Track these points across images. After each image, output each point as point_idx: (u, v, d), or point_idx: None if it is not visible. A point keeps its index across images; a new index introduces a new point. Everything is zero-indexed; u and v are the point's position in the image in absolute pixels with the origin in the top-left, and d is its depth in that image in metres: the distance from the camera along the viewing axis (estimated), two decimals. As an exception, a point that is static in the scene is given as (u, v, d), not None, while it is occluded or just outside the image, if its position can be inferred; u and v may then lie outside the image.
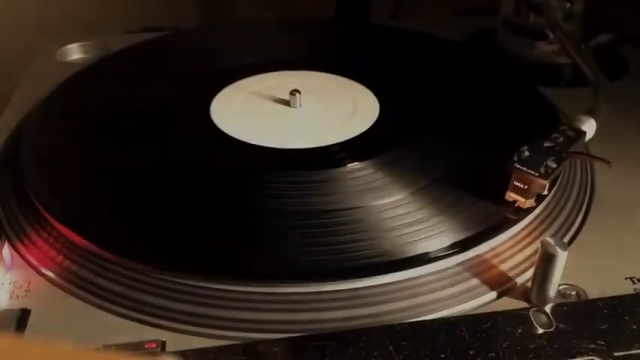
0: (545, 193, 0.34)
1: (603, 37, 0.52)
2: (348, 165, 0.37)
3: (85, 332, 0.29)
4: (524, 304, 0.30)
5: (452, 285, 0.31)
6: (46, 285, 0.31)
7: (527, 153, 0.34)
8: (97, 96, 0.46)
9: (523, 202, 0.33)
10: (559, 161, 0.34)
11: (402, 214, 0.33)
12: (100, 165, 0.39)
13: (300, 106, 0.44)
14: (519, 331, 0.28)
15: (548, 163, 0.33)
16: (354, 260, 0.30)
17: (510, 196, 0.34)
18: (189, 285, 0.30)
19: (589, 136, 0.37)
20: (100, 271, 0.31)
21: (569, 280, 0.31)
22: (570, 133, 0.36)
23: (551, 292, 0.29)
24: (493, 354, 0.26)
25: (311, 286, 0.30)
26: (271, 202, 0.34)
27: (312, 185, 0.35)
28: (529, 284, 0.30)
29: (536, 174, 0.33)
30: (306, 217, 0.33)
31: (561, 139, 0.35)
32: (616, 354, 0.26)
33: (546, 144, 0.35)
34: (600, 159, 0.35)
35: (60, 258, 0.32)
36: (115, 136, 0.41)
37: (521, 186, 0.33)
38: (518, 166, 0.33)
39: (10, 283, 0.31)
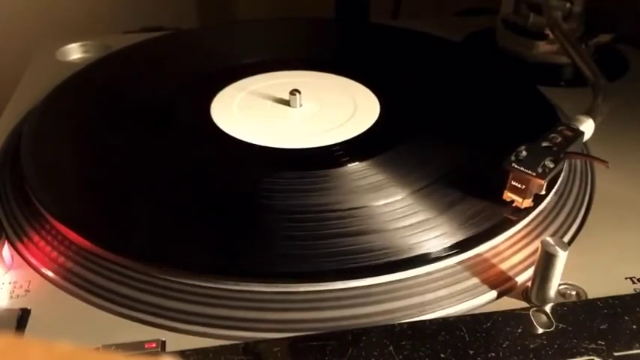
0: (543, 192, 0.34)
1: (603, 37, 0.52)
2: (348, 165, 0.37)
3: (85, 332, 0.29)
4: (524, 304, 0.30)
5: (452, 285, 0.31)
6: (46, 285, 0.31)
7: (524, 153, 0.34)
8: (97, 96, 0.46)
9: (520, 201, 0.33)
10: (556, 161, 0.34)
11: (402, 214, 0.33)
12: (100, 164, 0.39)
13: (300, 106, 0.44)
14: (519, 331, 0.27)
15: (546, 162, 0.33)
16: (354, 260, 0.30)
17: (508, 195, 0.34)
18: (189, 285, 0.30)
19: (587, 136, 0.37)
20: (100, 271, 0.31)
21: (569, 280, 0.31)
22: (568, 133, 0.36)
23: (551, 292, 0.29)
24: (493, 354, 0.26)
25: (311, 286, 0.30)
26: (271, 202, 0.34)
27: (312, 185, 0.35)
28: (529, 284, 0.30)
29: (534, 174, 0.33)
30: (306, 216, 0.33)
31: (559, 139, 0.35)
32: (616, 354, 0.26)
33: (544, 144, 0.35)
34: (598, 159, 0.35)
35: (60, 258, 0.32)
36: (114, 135, 0.41)
37: (519, 186, 0.33)
38: (515, 166, 0.33)
39: (10, 283, 0.32)
